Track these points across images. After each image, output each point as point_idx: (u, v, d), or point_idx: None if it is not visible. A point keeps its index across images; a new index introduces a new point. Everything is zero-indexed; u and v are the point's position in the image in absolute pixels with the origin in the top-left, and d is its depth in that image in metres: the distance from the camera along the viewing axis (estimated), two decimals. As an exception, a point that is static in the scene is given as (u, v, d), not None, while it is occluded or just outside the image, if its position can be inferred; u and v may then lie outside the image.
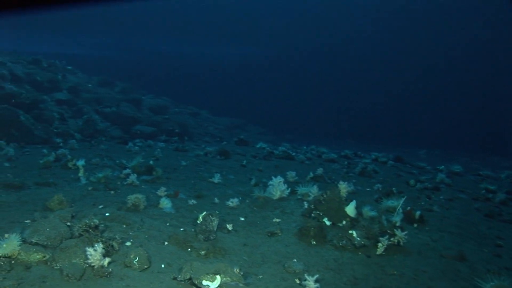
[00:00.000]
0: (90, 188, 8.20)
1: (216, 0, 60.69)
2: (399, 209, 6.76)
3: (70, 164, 10.08)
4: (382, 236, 5.86)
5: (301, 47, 71.84)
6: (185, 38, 70.02)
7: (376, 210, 7.54)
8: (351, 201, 6.97)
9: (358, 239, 5.85)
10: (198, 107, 36.59)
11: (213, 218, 5.85)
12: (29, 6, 3.35)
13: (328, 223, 6.76)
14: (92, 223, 5.00)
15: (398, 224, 6.25)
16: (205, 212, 5.96)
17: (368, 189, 10.27)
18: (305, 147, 21.27)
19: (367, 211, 7.28)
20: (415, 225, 7.22)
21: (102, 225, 5.58)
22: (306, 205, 7.24)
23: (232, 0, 61.44)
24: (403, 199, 6.91)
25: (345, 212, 6.81)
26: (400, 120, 50.29)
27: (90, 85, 26.79)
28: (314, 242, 6.02)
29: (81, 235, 4.92)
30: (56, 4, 3.58)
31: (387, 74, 66.97)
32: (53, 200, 6.44)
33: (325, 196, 6.95)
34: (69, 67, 29.42)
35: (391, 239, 5.87)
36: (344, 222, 6.74)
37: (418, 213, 7.37)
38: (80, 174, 9.04)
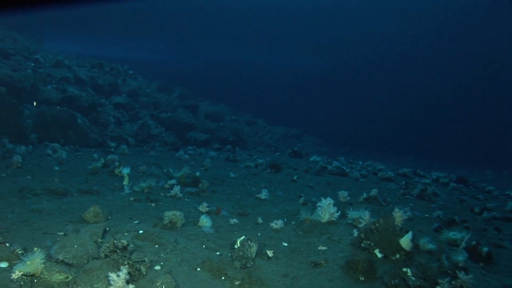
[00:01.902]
0: (131, 199, 7.98)
1: (279, 10, 60.52)
2: (462, 245, 5.98)
3: (117, 171, 9.99)
4: (442, 278, 5.13)
5: (363, 58, 70.21)
6: (246, 46, 70.38)
7: (435, 242, 6.76)
8: (407, 232, 6.25)
9: (413, 279, 5.15)
10: (255, 115, 36.35)
11: (251, 243, 5.37)
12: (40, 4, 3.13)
13: (379, 255, 6.08)
14: (119, 244, 4.66)
15: (461, 264, 5.48)
16: (243, 237, 5.49)
17: (426, 215, 9.40)
18: (360, 162, 20.39)
19: (425, 244, 6.52)
20: (481, 264, 6.38)
21: (133, 245, 5.25)
22: (356, 233, 6.58)
23: (294, 11, 61.03)
24: (467, 236, 6.10)
25: (400, 244, 6.11)
26: (466, 135, 47.67)
27: (148, 90, 27.23)
28: (363, 278, 5.38)
29: (107, 256, 4.59)
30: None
31: (453, 83, 64.05)
32: (89, 212, 6.21)
33: (377, 225, 6.27)
34: (131, 72, 30.07)
35: (453, 282, 5.12)
36: (397, 256, 6.04)
37: (485, 249, 6.52)
38: (124, 183, 8.87)
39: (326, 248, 6.28)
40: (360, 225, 7.04)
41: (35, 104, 14.29)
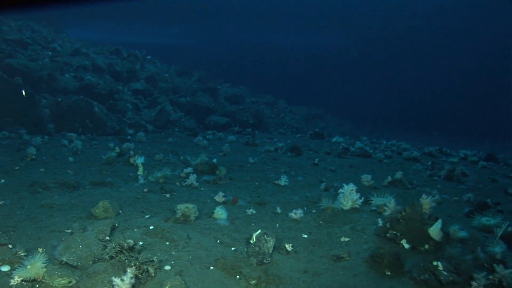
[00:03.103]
0: (145, 190, 7.70)
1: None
2: (498, 234, 5.49)
3: (132, 161, 9.72)
4: (478, 272, 4.67)
5: (384, 34, 68.30)
6: (266, 26, 69.29)
7: (467, 229, 6.28)
8: (436, 220, 5.79)
9: (445, 273, 4.72)
10: (275, 96, 35.80)
11: (268, 238, 5.02)
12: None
13: (407, 246, 5.65)
14: (125, 244, 4.36)
15: (498, 256, 5.01)
16: (259, 231, 5.13)
17: (456, 198, 8.85)
18: (384, 142, 19.75)
19: (456, 231, 6.03)
20: (520, 253, 5.89)
21: (142, 243, 4.96)
22: (380, 222, 6.15)
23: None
24: (506, 224, 5.60)
25: (428, 234, 5.66)
26: (494, 110, 46.10)
27: (167, 75, 26.91)
28: (389, 273, 4.97)
29: (112, 257, 4.30)
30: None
31: (478, 58, 61.93)
32: (99, 207, 5.94)
33: (404, 213, 5.83)
34: (149, 57, 29.81)
35: (490, 277, 4.66)
36: (426, 246, 5.60)
37: (523, 237, 6.01)
38: (139, 173, 8.60)
39: (349, 239, 5.88)
40: (385, 213, 6.62)
41: (24, 93, 14.06)
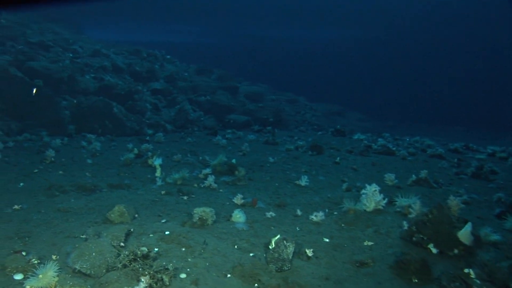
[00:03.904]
0: (163, 192, 7.57)
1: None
2: (533, 238, 5.16)
3: (150, 162, 9.62)
4: (512, 280, 4.38)
5: (406, 29, 67.13)
6: (285, 23, 68.85)
7: (500, 231, 5.94)
8: (465, 222, 5.48)
9: (478, 282, 4.43)
10: (295, 94, 35.52)
11: (288, 244, 4.80)
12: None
13: (434, 251, 5.36)
14: (139, 252, 4.20)
15: (535, 262, 4.69)
16: (278, 236, 4.93)
17: (485, 198, 8.48)
18: (407, 139, 19.28)
19: (488, 235, 5.70)
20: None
21: (157, 249, 4.80)
22: (406, 225, 5.86)
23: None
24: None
25: (458, 238, 5.36)
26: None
27: (186, 74, 26.88)
28: (416, 280, 4.70)
29: (125, 266, 4.15)
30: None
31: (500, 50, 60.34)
32: (114, 211, 5.81)
33: (430, 216, 5.54)
34: (168, 56, 29.84)
35: (527, 286, 4.36)
36: (455, 251, 5.30)
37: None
38: (156, 174, 8.46)
39: (372, 243, 5.61)
40: (411, 215, 6.32)
41: (34, 91, 14.09)
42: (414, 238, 5.58)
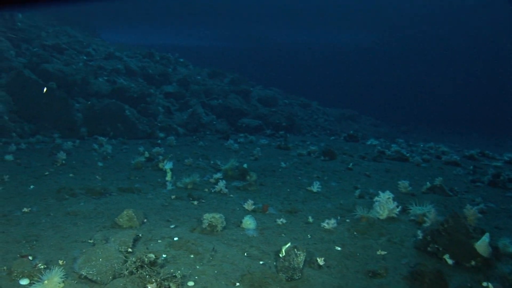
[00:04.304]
0: (173, 197, 7.49)
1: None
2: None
3: (161, 165, 9.56)
4: (532, 295, 4.20)
5: (421, 34, 66.56)
6: (298, 27, 68.73)
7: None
8: (483, 232, 5.30)
9: (496, 296, 4.27)
10: (308, 98, 35.42)
11: (298, 252, 4.68)
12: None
13: (450, 262, 5.19)
14: (146, 259, 4.11)
15: (557, 277, 4.51)
16: (289, 244, 4.81)
17: (503, 207, 8.25)
18: (422, 145, 19.01)
19: (507, 246, 5.50)
20: None
21: (165, 255, 4.71)
22: (420, 234, 5.70)
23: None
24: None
25: (475, 248, 5.18)
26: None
27: (199, 77, 26.90)
28: (431, 292, 4.55)
29: (132, 273, 4.06)
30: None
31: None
32: (123, 216, 5.74)
33: (446, 225, 5.37)
34: (181, 59, 29.93)
35: (548, 301, 4.19)
36: (473, 263, 5.12)
37: None
38: (167, 179, 8.39)
39: (386, 252, 5.46)
40: (425, 224, 6.15)
41: (44, 90, 14.12)
42: (429, 248, 5.42)
